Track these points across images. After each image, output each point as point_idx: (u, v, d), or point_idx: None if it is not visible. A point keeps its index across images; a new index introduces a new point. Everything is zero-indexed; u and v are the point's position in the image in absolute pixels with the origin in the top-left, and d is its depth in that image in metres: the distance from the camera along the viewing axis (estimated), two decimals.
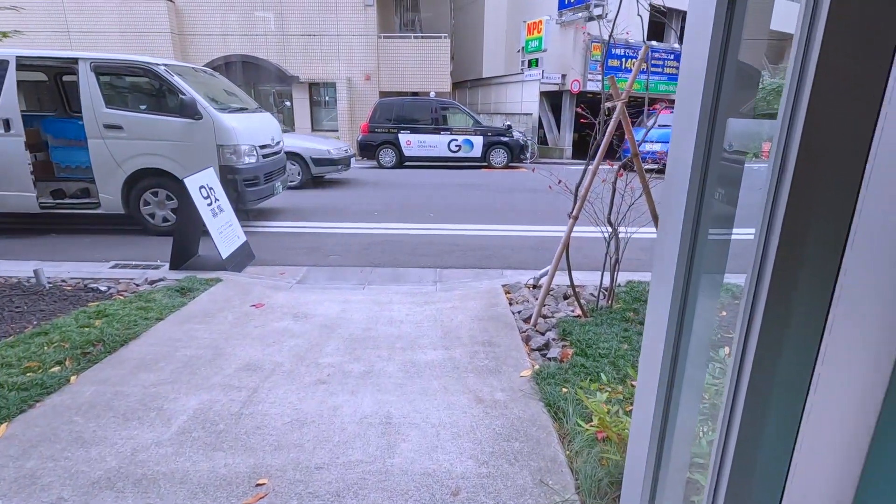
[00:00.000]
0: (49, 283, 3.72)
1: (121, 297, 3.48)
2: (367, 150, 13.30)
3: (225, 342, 2.85)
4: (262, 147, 6.06)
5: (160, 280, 3.89)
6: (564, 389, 2.26)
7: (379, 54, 16.84)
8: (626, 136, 3.17)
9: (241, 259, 4.50)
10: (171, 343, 2.80)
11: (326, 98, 17.36)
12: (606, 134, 3.03)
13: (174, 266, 4.23)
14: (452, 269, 4.68)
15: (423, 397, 2.29)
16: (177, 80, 5.32)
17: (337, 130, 17.11)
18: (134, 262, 4.45)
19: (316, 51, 16.71)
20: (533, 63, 16.57)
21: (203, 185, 4.23)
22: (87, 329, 2.86)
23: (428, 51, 16.90)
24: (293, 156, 9.00)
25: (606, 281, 3.36)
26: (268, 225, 6.30)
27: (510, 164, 13.24)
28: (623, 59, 17.43)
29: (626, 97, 3.06)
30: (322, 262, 4.84)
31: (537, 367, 2.55)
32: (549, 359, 2.67)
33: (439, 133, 13.00)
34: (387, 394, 2.32)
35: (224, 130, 5.45)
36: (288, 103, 17.72)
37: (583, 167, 3.22)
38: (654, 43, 18.00)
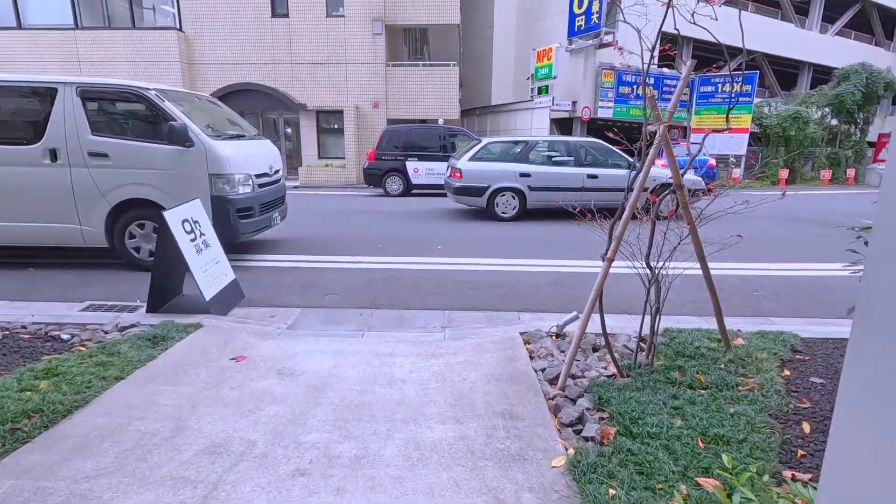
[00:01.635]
0: (4, 330, 3.27)
1: (82, 349, 3.02)
2: (374, 177, 12.99)
3: (191, 411, 2.37)
4: (259, 176, 5.68)
5: (132, 326, 3.43)
6: (612, 491, 1.74)
7: (387, 82, 16.74)
8: (669, 164, 2.73)
9: (228, 300, 4.04)
10: (124, 413, 2.32)
11: (334, 125, 17.22)
12: (647, 161, 2.58)
13: (152, 308, 3.78)
14: (463, 311, 4.19)
15: (429, 500, 1.77)
16: (168, 106, 4.99)
17: (344, 158, 16.90)
18: (110, 303, 4.01)
19: (324, 79, 16.65)
20: (543, 90, 16.37)
21: (187, 218, 3.81)
22: (27, 394, 2.39)
23: (436, 78, 16.78)
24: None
25: (642, 328, 2.86)
26: (262, 259, 5.87)
27: None
28: (634, 87, 17.19)
29: (669, 119, 2.63)
30: (317, 303, 4.38)
31: (572, 451, 2.03)
32: (586, 438, 2.15)
33: (448, 160, 12.66)
34: (382, 493, 1.81)
35: (217, 159, 5.07)
36: (289, 130, 17.58)
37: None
38: (665, 70, 17.81)
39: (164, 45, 16.15)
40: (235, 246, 5.76)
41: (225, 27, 16.40)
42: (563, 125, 17.70)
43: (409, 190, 12.99)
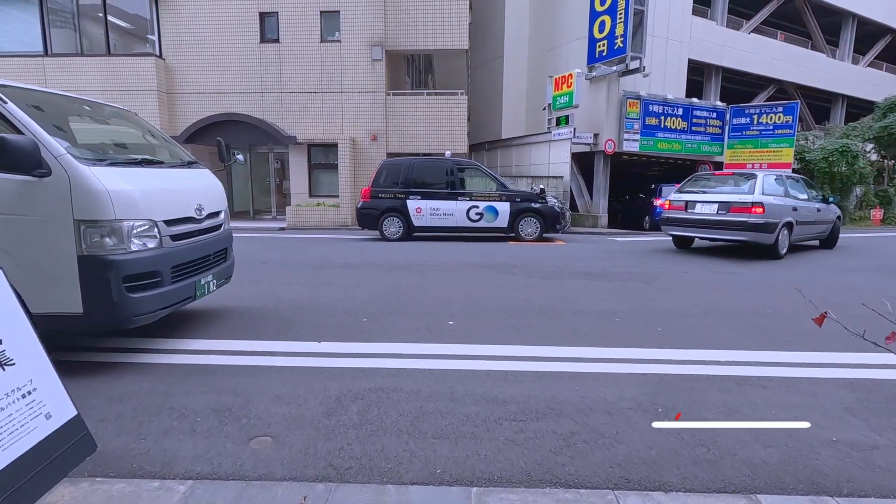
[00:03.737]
0: None
1: None
2: (369, 218, 11.05)
3: None
4: (176, 222, 3.69)
5: None
6: None
7: (387, 112, 15.08)
8: None
9: (50, 466, 1.95)
10: None
11: (328, 160, 15.47)
12: None
13: None
14: (501, 488, 2.07)
15: None
16: (11, 110, 3.04)
17: (338, 196, 15.06)
18: None
19: (317, 109, 15.02)
20: (562, 121, 14.66)
21: None
22: None
23: (443, 108, 15.12)
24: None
25: None
26: (169, 349, 3.79)
27: (543, 236, 10.86)
28: (662, 117, 15.49)
29: None
30: (229, 465, 2.27)
31: None
32: None
33: (456, 199, 10.76)
34: None
35: (89, 196, 3.08)
36: (278, 164, 15.89)
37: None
38: (695, 100, 16.14)
39: (141, 72, 14.62)
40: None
41: (209, 53, 14.92)
42: (582, 160, 15.90)
43: (410, 233, 11.03)
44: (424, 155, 14.31)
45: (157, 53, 14.94)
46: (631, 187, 17.25)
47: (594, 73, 14.85)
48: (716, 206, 8.64)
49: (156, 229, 3.47)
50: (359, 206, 11.22)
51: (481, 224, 10.78)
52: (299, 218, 14.65)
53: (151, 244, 3.44)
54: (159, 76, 14.74)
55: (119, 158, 3.60)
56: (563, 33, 17.34)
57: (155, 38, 15.05)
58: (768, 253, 8.63)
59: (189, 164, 4.39)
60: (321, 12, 14.69)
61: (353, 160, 15.10)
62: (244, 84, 15.00)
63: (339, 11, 14.69)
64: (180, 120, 15.02)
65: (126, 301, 3.24)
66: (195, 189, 4.12)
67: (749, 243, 8.61)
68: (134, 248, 3.31)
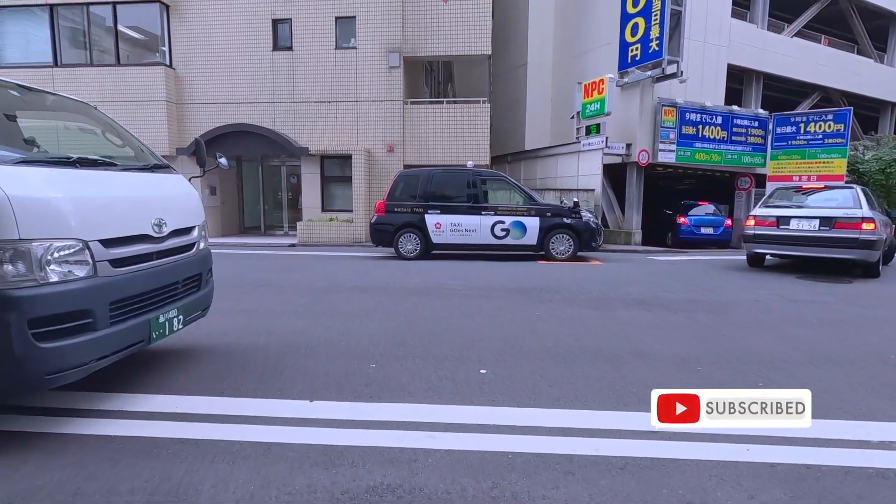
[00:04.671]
0: None
1: None
2: (383, 234, 10.12)
3: None
4: (122, 242, 2.77)
5: None
6: None
7: (405, 122, 14.25)
8: None
9: None
10: None
11: (342, 173, 14.67)
12: None
13: None
14: None
15: None
16: None
17: (352, 210, 14.21)
18: None
19: (330, 119, 14.29)
20: (593, 129, 13.65)
21: None
22: None
23: (464, 117, 14.24)
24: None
25: None
26: (98, 408, 2.83)
27: (577, 255, 9.79)
28: (699, 126, 14.38)
29: None
30: None
31: None
32: None
33: (479, 213, 9.78)
34: None
35: None
36: (294, 179, 15.18)
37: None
38: (735, 108, 15.01)
39: (150, 83, 14.08)
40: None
41: (220, 62, 14.33)
42: (612, 172, 14.83)
43: (428, 251, 10.06)
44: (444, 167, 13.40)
45: (167, 63, 14.41)
46: (654, 202, 16.03)
47: (626, 80, 13.84)
48: (816, 221, 8.08)
49: (87, 252, 2.54)
50: (372, 221, 10.31)
51: (507, 241, 9.77)
52: (311, 234, 13.82)
53: (80, 272, 2.51)
54: (168, 86, 14.18)
55: (41, 156, 2.70)
56: (590, 38, 16.43)
57: (165, 47, 14.54)
58: (868, 272, 8.12)
59: (154, 168, 3.49)
60: (336, 18, 14.02)
61: (367, 173, 14.28)
62: (255, 94, 14.36)
63: (355, 17, 14.00)
64: (189, 131, 14.41)
65: (34, 354, 2.29)
66: (156, 199, 3.20)
67: (856, 262, 8.05)
68: (52, 278, 2.38)
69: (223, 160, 4.32)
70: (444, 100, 15.82)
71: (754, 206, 16.47)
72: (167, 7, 14.25)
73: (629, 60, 13.79)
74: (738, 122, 14.91)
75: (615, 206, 15.06)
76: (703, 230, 14.56)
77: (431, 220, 9.88)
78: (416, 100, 15.00)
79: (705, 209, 15.03)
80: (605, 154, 13.61)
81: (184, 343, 4.05)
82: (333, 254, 11.52)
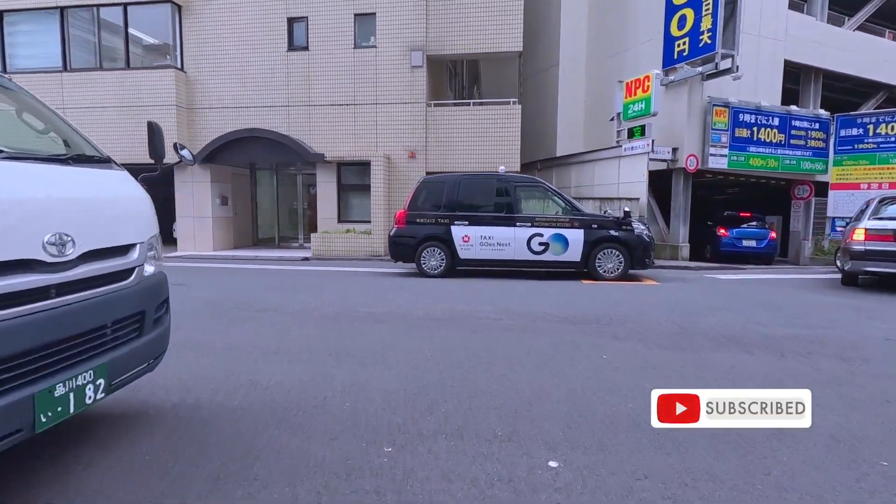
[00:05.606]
0: None
1: None
2: (404, 249, 8.98)
3: None
4: None
5: None
6: None
7: (427, 126, 13.18)
8: None
9: None
10: None
11: (360, 181, 13.64)
12: None
13: None
14: None
15: None
16: None
17: (370, 221, 13.14)
18: None
19: (348, 123, 13.31)
20: (636, 132, 12.35)
21: None
22: None
23: (492, 119, 13.10)
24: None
25: None
26: None
27: (628, 274, 8.49)
28: (754, 128, 12.95)
29: None
30: None
31: None
32: None
33: (514, 224, 8.57)
34: None
35: None
36: (313, 189, 14.23)
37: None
38: (793, 108, 13.55)
39: (160, 86, 13.32)
40: None
41: (233, 64, 13.51)
42: (654, 180, 13.44)
43: (454, 267, 8.88)
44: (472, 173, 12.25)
45: (178, 66, 13.66)
46: (693, 212, 14.51)
47: (672, 77, 12.52)
48: None
49: None
50: (392, 233, 9.17)
51: (546, 257, 8.51)
52: (326, 246, 12.78)
53: None
54: (179, 90, 13.41)
55: None
56: (629, 35, 15.16)
57: (177, 49, 13.81)
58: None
59: (80, 161, 2.41)
60: (355, 15, 13.08)
61: (387, 181, 13.22)
62: (269, 97, 13.48)
63: (374, 14, 13.04)
64: (200, 137, 13.60)
65: None
66: (63, 202, 2.10)
67: None
68: None
69: (185, 152, 3.24)
70: (471, 101, 14.71)
71: (813, 217, 14.93)
72: (179, 7, 13.53)
73: (675, 56, 12.48)
74: (797, 123, 13.41)
75: (659, 217, 13.68)
76: (744, 243, 13.10)
77: (458, 232, 8.71)
78: (439, 101, 13.92)
79: (747, 221, 13.66)
80: (651, 159, 12.28)
81: (124, 405, 2.94)
82: (349, 269, 10.43)
